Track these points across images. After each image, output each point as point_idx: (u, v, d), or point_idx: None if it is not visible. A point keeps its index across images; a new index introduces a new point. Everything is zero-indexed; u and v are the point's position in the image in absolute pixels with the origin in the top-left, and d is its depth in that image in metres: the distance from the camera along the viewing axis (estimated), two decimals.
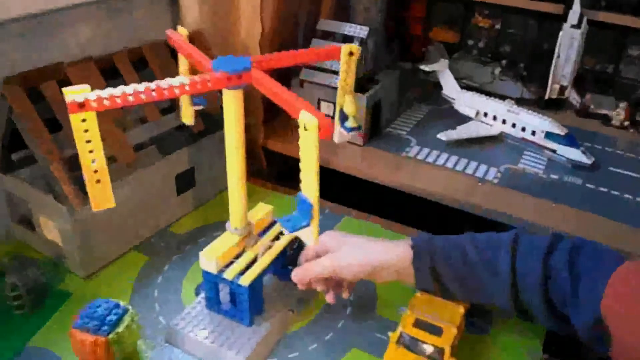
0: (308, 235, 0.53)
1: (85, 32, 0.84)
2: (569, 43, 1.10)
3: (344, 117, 0.66)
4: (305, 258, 0.66)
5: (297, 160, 0.50)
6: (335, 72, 0.99)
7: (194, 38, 0.89)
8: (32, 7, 0.73)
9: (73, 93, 0.47)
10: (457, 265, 0.60)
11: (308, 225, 0.52)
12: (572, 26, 1.09)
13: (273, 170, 1.07)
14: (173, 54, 0.84)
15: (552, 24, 1.16)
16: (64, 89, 0.47)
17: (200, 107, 0.71)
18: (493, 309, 0.69)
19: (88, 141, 0.49)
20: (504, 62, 1.30)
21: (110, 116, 0.72)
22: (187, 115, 0.71)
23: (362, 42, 1.00)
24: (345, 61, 0.63)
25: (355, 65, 0.63)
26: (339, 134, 0.65)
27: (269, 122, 1.04)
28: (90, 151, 0.50)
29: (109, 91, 0.48)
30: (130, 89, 0.49)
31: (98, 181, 0.51)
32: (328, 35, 1.04)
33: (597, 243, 0.58)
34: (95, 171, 0.51)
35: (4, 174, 0.74)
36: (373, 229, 0.87)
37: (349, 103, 0.64)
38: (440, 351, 0.57)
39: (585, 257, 0.56)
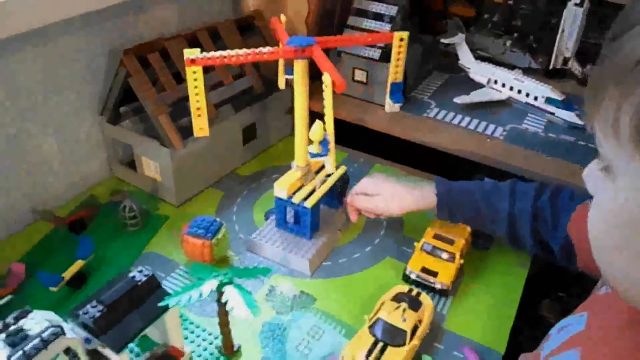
0: (328, 162, 0.73)
1: (165, 14, 1.02)
2: (572, 19, 1.24)
3: (395, 89, 0.81)
4: (355, 191, 0.85)
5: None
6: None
7: (256, 16, 1.07)
8: None
9: (189, 53, 0.69)
10: (468, 208, 0.77)
11: (326, 155, 0.72)
12: (575, 4, 1.24)
13: None
14: (240, 30, 1.03)
15: (560, 1, 1.26)
16: (185, 50, 0.69)
17: (291, 77, 0.84)
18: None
19: (195, 87, 0.71)
20: (515, 35, 1.42)
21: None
22: (281, 82, 0.88)
23: (392, 19, 1.18)
24: (397, 45, 0.73)
25: (405, 50, 0.73)
26: (388, 105, 0.82)
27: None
28: (196, 94, 0.71)
29: (211, 53, 0.70)
30: (226, 52, 0.71)
31: (199, 115, 0.74)
32: (362, 13, 1.20)
33: (572, 189, 0.75)
34: (198, 108, 0.73)
35: (112, 125, 0.94)
36: (399, 175, 1.05)
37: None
38: (452, 255, 0.77)
39: (562, 199, 0.74)
